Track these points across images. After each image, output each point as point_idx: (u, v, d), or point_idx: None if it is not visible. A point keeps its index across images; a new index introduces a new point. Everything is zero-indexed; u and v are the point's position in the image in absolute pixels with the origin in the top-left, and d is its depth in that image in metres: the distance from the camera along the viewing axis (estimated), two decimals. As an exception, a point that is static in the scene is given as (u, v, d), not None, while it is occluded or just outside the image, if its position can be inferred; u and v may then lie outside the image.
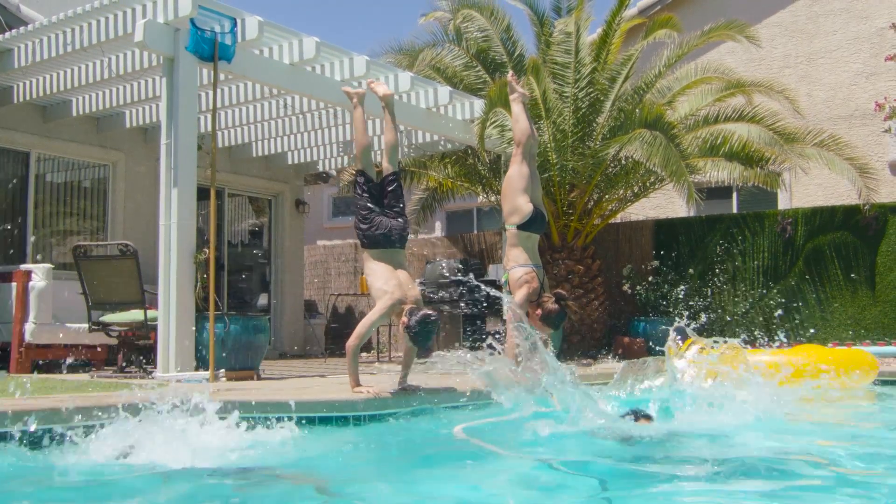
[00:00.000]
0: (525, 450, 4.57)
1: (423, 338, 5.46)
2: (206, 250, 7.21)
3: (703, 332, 12.07)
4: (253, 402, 4.88)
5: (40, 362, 8.76)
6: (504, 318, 6.95)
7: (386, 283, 5.59)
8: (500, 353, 5.45)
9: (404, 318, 5.46)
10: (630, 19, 11.90)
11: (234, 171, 12.72)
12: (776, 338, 11.59)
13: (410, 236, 14.44)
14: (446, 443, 4.82)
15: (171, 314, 7.05)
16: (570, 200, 11.60)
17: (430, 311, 5.45)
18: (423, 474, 4.09)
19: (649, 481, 3.77)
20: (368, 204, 5.79)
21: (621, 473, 4.02)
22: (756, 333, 11.77)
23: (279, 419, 4.78)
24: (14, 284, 8.70)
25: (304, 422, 4.95)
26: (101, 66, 8.99)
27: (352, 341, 5.53)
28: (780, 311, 11.54)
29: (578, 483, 3.87)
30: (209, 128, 9.45)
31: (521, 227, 6.74)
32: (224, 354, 7.01)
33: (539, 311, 6.57)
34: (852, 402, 6.94)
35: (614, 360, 11.00)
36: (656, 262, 12.43)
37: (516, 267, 6.76)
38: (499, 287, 10.34)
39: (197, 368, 7.04)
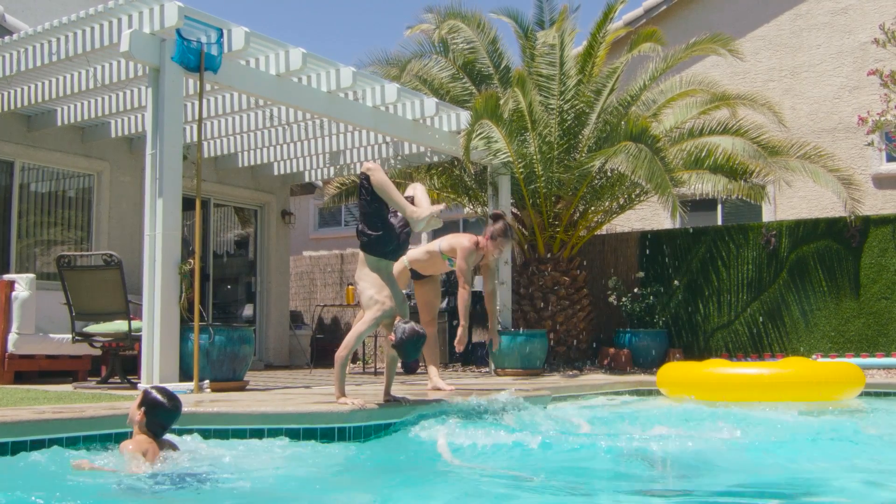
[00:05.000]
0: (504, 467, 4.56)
1: (410, 352, 5.45)
2: (192, 261, 7.18)
3: (687, 343, 12.13)
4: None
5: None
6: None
7: (378, 292, 5.53)
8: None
9: (392, 335, 5.45)
10: (615, 31, 11.96)
11: (220, 182, 12.69)
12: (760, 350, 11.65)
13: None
14: (429, 457, 4.80)
15: (155, 325, 7.01)
16: (556, 212, 11.63)
17: (417, 327, 5.44)
18: (401, 490, 4.08)
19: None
20: (382, 212, 5.61)
21: (601, 488, 4.03)
22: (740, 345, 11.82)
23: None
24: (-3, 294, 8.64)
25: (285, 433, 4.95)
26: (86, 76, 8.96)
27: (341, 352, 5.51)
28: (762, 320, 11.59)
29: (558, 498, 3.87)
30: (195, 138, 9.43)
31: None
32: (209, 365, 6.98)
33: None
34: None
35: (601, 371, 11.03)
36: (641, 274, 12.47)
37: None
38: (482, 297, 10.58)
39: (181, 379, 7.00)
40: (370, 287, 5.57)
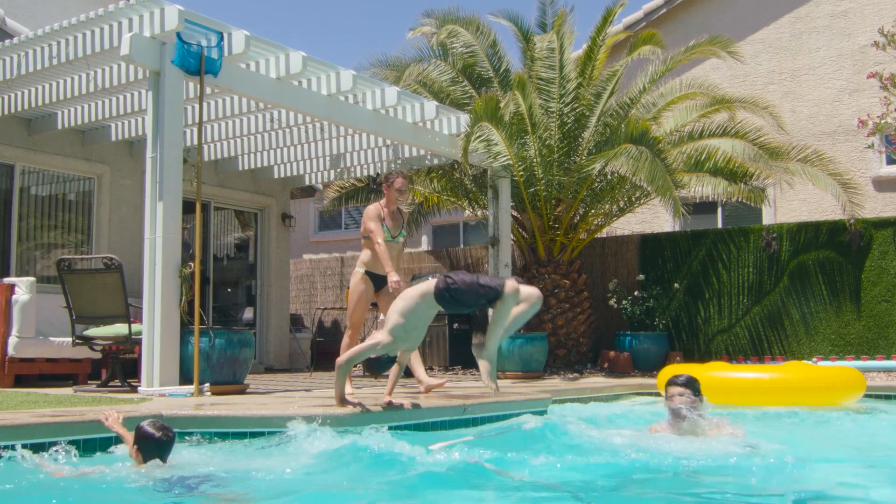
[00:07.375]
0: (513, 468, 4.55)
1: (375, 368, 5.83)
2: (192, 264, 7.19)
3: (687, 346, 12.12)
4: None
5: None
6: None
7: (403, 326, 5.42)
8: None
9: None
10: (615, 35, 11.96)
11: (220, 185, 12.69)
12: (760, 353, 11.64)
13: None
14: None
15: (155, 328, 7.01)
16: (556, 215, 11.63)
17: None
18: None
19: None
20: (480, 301, 5.46)
21: (601, 488, 4.02)
22: (740, 348, 11.81)
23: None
24: (-3, 298, 8.64)
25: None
26: (86, 80, 8.97)
27: (342, 359, 5.51)
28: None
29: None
30: (195, 141, 9.44)
31: None
32: (209, 369, 6.97)
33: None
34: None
35: (601, 374, 11.03)
36: (642, 277, 12.47)
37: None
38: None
39: (181, 383, 7.00)
40: (403, 316, 5.44)
